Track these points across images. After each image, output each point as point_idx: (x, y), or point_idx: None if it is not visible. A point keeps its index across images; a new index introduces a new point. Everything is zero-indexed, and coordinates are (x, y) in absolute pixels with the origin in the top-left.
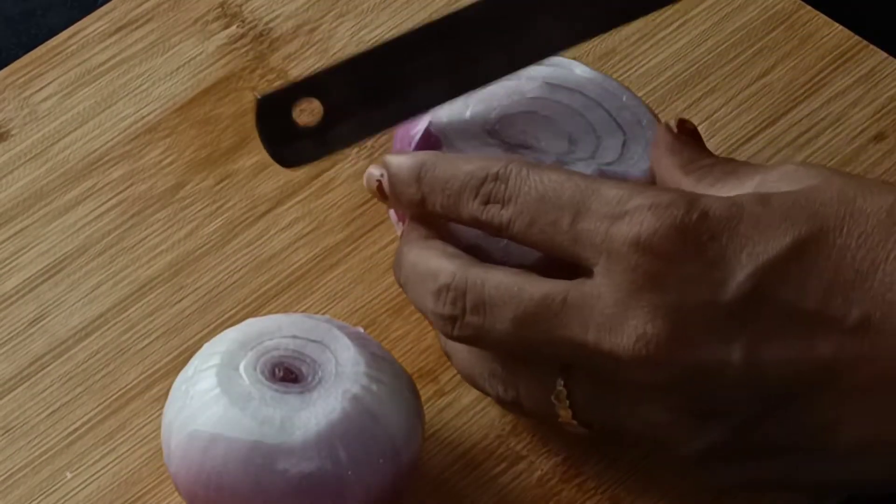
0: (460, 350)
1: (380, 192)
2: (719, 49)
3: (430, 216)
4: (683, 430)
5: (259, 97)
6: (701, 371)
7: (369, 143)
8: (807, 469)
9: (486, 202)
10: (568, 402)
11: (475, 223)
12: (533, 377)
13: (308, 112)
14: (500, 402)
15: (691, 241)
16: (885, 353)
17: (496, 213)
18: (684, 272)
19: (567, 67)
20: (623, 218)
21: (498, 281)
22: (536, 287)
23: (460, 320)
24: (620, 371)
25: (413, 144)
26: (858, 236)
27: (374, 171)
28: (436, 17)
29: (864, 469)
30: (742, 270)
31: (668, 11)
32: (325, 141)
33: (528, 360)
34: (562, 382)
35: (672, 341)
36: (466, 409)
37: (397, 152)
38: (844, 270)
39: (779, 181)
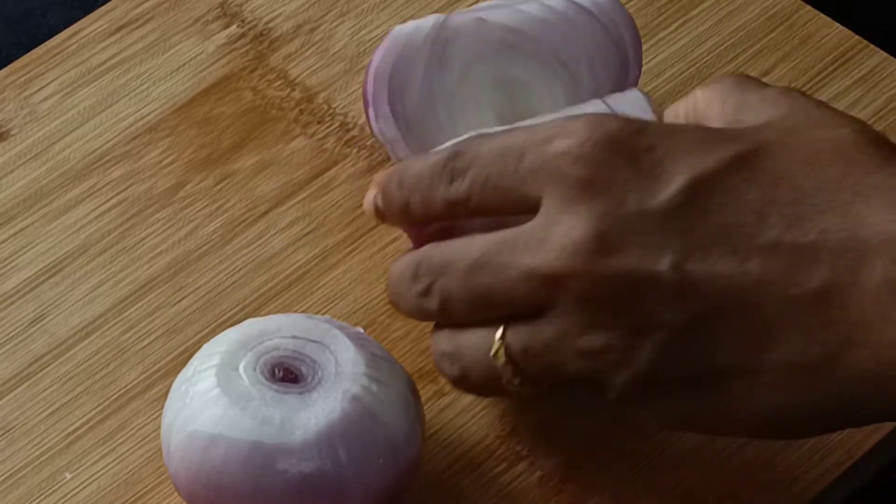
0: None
1: (377, 212)
2: (719, 49)
3: (418, 222)
4: (616, 356)
5: None
6: (631, 282)
7: (369, 142)
8: (736, 398)
9: (451, 180)
10: (506, 357)
11: (448, 209)
12: (474, 344)
13: None
14: (453, 382)
15: (626, 150)
16: (816, 274)
17: (459, 187)
18: (616, 179)
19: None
20: (558, 137)
21: (457, 243)
22: (487, 236)
23: (431, 290)
24: (556, 294)
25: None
26: (803, 161)
27: (370, 194)
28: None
29: (792, 398)
30: (678, 179)
31: (669, 11)
32: None
33: (472, 325)
34: (499, 335)
35: (600, 249)
36: (466, 409)
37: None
38: (783, 190)
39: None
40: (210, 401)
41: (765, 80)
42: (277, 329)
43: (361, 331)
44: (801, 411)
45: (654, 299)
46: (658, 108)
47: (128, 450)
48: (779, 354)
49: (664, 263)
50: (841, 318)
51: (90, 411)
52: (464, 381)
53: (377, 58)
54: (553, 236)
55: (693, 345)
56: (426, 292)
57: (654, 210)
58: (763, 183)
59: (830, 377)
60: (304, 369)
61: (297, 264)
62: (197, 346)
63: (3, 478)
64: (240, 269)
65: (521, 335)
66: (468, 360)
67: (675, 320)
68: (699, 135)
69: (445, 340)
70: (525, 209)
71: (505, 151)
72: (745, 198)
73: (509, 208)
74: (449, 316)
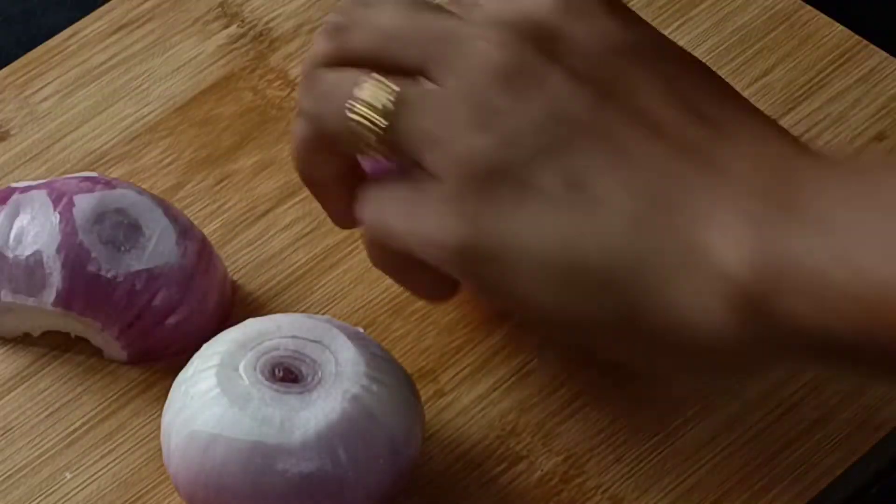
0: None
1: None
2: (719, 49)
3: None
4: (483, 136)
5: None
6: (533, 70)
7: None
8: (539, 209)
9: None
10: (386, 103)
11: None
12: (345, 79)
13: None
14: (301, 137)
15: None
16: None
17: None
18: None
19: None
20: None
21: None
22: None
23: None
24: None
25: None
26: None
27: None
28: None
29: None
30: (637, 31)
31: (669, 11)
32: None
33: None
34: (387, 78)
35: (537, 30)
36: (466, 409)
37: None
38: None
39: None
40: (210, 401)
41: (765, 80)
42: (277, 329)
43: (361, 331)
44: (580, 254)
45: (541, 91)
46: None
47: (127, 450)
48: (601, 185)
49: (569, 72)
50: (687, 221)
51: (90, 411)
52: (316, 126)
53: None
54: (496, 7)
55: (549, 157)
56: (339, 30)
57: (604, 38)
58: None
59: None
60: (304, 369)
61: (297, 264)
62: None
63: (3, 478)
64: (240, 269)
65: (415, 88)
66: (336, 87)
67: (544, 122)
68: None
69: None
70: None
71: None
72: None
73: None
74: (356, 42)
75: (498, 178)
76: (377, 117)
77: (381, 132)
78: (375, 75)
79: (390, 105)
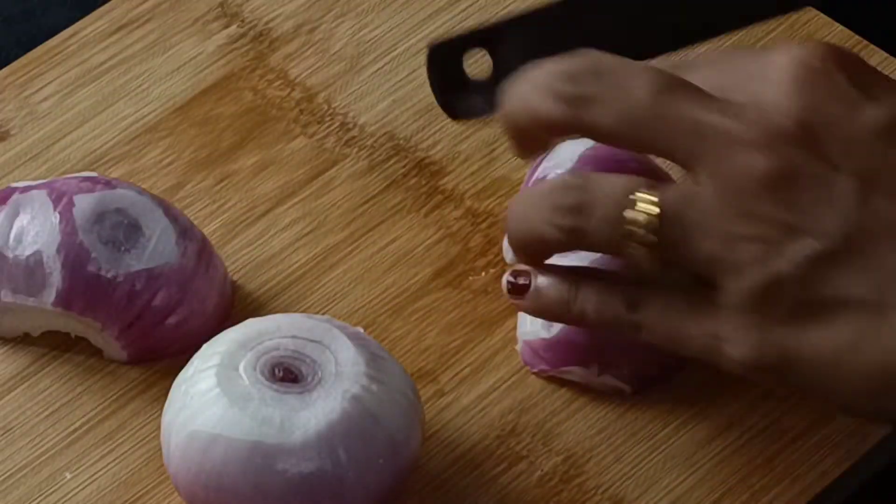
0: (520, 196)
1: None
2: (719, 49)
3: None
4: (759, 249)
5: (432, 44)
6: (811, 176)
7: (369, 142)
8: (850, 339)
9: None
10: (648, 215)
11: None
12: (611, 190)
13: (478, 66)
14: (548, 244)
15: (850, 65)
16: None
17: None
18: (838, 84)
19: None
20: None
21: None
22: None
23: (580, 101)
24: (729, 156)
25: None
26: None
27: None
28: (437, 17)
29: None
30: (891, 105)
31: None
32: (493, 96)
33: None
34: (648, 186)
35: (797, 136)
36: (466, 409)
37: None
38: None
39: None
40: (210, 401)
41: None
42: (277, 329)
43: (361, 331)
44: None
45: (824, 202)
46: None
47: (127, 450)
48: None
49: (852, 174)
50: None
51: (90, 411)
52: (572, 224)
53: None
54: (757, 108)
55: (837, 267)
56: (576, 102)
57: (861, 123)
58: None
59: None
60: (304, 369)
61: (297, 264)
62: None
63: (3, 478)
64: (240, 269)
65: (674, 194)
66: (597, 207)
67: (833, 232)
68: None
69: (570, 181)
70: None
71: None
72: None
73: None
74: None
75: (793, 292)
76: (647, 235)
77: (650, 247)
78: (641, 193)
79: (656, 222)
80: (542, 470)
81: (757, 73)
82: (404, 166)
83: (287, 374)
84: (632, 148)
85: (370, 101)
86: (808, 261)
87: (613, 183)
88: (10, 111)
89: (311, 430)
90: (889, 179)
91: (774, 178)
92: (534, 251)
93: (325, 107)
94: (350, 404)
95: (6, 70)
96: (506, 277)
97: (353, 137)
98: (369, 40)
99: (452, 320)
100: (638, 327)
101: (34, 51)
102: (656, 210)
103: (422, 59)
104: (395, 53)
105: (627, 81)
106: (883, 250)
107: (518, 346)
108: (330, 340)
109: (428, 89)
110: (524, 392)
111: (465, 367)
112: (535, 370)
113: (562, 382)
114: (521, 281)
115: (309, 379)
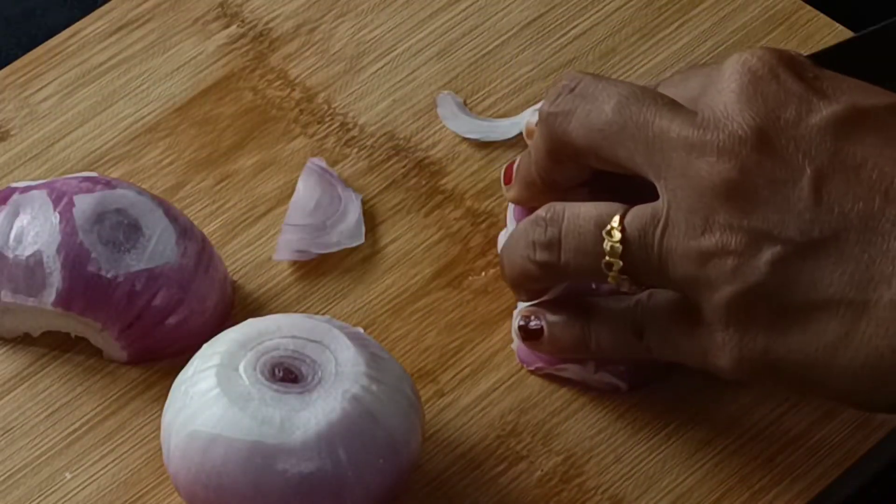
0: (509, 234)
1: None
2: (719, 49)
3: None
4: (730, 262)
5: None
6: (772, 181)
7: (369, 142)
8: (834, 338)
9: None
10: (621, 236)
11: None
12: (584, 212)
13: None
14: (536, 274)
15: (797, 67)
16: None
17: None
18: (786, 88)
19: None
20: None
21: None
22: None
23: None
24: (695, 169)
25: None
26: None
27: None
28: (437, 17)
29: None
30: (841, 101)
31: (669, 11)
32: None
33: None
34: (622, 211)
35: (755, 143)
36: (466, 409)
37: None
38: None
39: None
40: (210, 401)
41: None
42: (277, 329)
43: (361, 331)
44: None
45: (785, 207)
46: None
47: (127, 450)
48: (894, 290)
49: (806, 173)
50: None
51: (90, 411)
52: (547, 259)
53: None
54: (713, 117)
55: (805, 268)
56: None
57: (813, 123)
58: None
59: None
60: (304, 369)
61: (297, 264)
62: None
63: (3, 478)
64: (240, 269)
65: (639, 217)
66: (570, 229)
67: (795, 235)
68: (858, 82)
69: (543, 216)
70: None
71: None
72: (893, 140)
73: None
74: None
75: (769, 299)
76: (619, 262)
77: (628, 273)
78: (610, 222)
79: (622, 249)
80: (542, 470)
81: (709, 85)
82: (404, 166)
83: (287, 374)
84: (598, 164)
85: (370, 101)
86: (776, 267)
87: (585, 214)
88: (10, 111)
89: (311, 430)
90: (843, 174)
91: (733, 185)
92: (528, 288)
93: (325, 107)
94: (350, 404)
95: (6, 70)
96: (517, 322)
97: (353, 137)
98: (369, 40)
99: (452, 320)
100: (648, 350)
101: (34, 51)
102: (619, 236)
103: (422, 58)
104: (395, 53)
105: (599, 96)
106: (850, 245)
107: (514, 345)
108: (330, 340)
109: (428, 89)
110: (524, 392)
111: (465, 367)
112: (531, 368)
113: (561, 382)
114: (533, 325)
115: (309, 379)
